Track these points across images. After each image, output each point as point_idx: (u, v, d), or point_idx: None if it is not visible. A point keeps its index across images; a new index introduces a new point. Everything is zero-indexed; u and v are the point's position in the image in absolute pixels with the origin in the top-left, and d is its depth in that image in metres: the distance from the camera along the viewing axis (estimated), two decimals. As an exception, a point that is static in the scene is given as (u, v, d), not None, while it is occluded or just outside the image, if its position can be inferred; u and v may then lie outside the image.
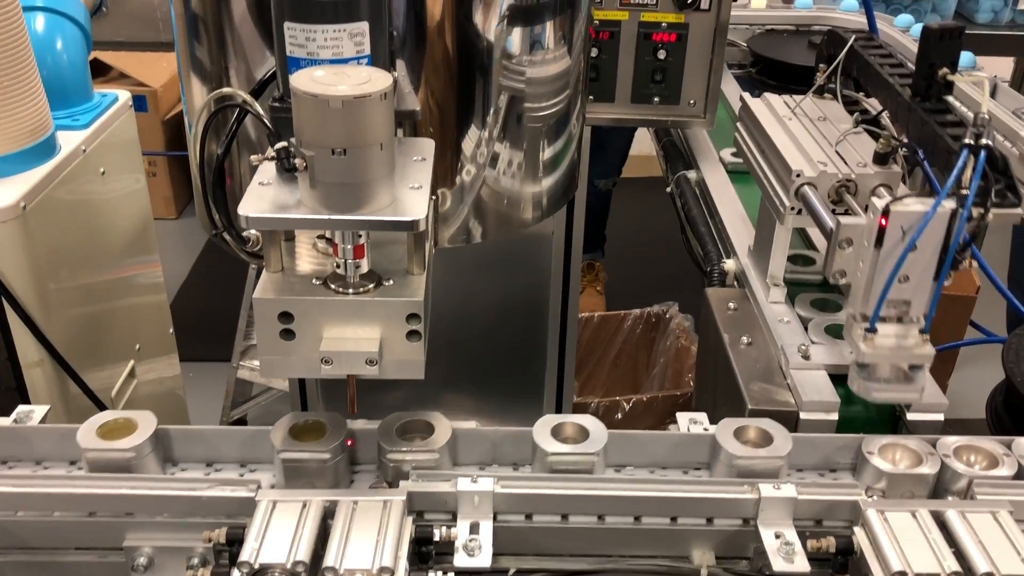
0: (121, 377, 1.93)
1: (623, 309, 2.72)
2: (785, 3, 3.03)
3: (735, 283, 1.29)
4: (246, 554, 0.81)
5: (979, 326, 1.80)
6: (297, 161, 0.81)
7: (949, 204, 0.91)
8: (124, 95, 1.92)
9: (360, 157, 0.81)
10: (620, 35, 1.52)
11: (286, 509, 0.86)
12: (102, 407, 1.74)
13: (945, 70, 1.08)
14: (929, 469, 0.92)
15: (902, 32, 2.10)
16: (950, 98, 1.10)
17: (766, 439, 0.93)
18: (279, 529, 0.84)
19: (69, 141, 1.69)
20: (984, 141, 0.91)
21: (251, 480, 0.91)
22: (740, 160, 1.33)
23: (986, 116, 0.95)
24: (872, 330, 0.95)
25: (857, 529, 0.87)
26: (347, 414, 0.96)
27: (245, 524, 0.86)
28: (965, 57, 1.90)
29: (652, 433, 0.96)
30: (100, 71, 3.76)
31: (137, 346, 2.02)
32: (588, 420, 0.97)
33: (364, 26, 0.86)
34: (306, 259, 0.95)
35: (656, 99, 1.56)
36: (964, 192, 0.90)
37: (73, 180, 1.68)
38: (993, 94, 1.82)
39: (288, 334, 0.89)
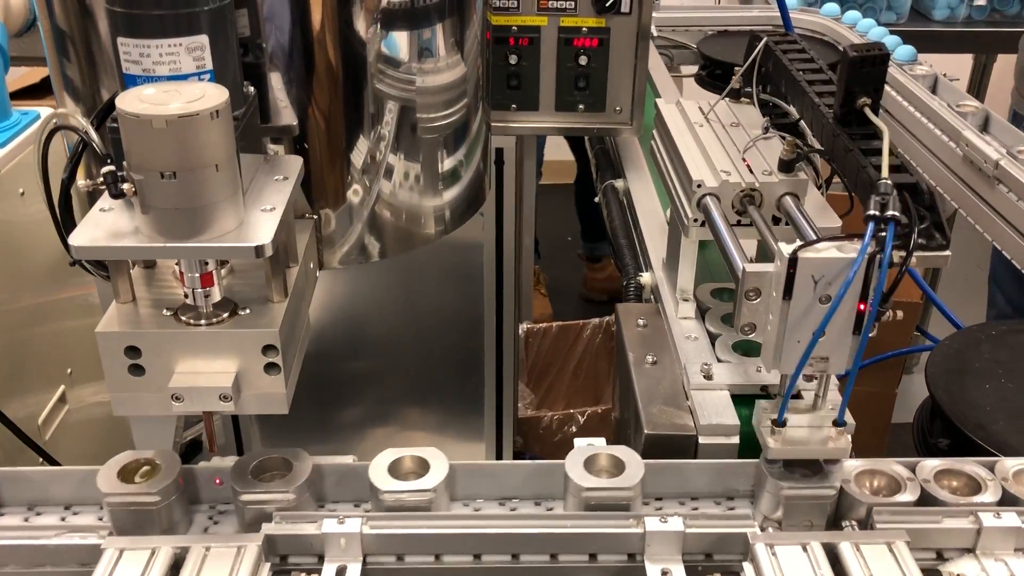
0: (49, 404, 1.87)
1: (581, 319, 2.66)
2: (742, 3, 2.98)
3: (651, 297, 1.24)
4: (79, 610, 0.75)
5: (925, 332, 1.75)
6: (125, 186, 0.75)
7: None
8: (47, 111, 1.86)
9: (192, 180, 0.75)
10: (540, 41, 1.47)
11: (133, 558, 0.80)
12: (23, 436, 1.69)
13: (864, 99, 1.00)
14: (824, 492, 0.86)
15: (849, 28, 2.06)
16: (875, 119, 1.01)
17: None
18: (121, 580, 0.78)
19: (-19, 162, 1.64)
20: (890, 213, 0.81)
21: (103, 526, 0.85)
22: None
23: (888, 183, 0.84)
24: (781, 423, 0.86)
25: (746, 564, 0.82)
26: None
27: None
28: (905, 51, 1.85)
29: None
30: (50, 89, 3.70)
31: (69, 370, 1.96)
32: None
33: (203, 39, 0.80)
34: (165, 288, 0.89)
35: (581, 107, 1.51)
36: (882, 235, 0.79)
37: (-13, 202, 1.62)
38: (934, 89, 1.77)
39: (137, 369, 0.83)
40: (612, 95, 1.50)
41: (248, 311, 0.85)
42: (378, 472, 0.89)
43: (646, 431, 0.97)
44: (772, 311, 0.83)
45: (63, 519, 0.91)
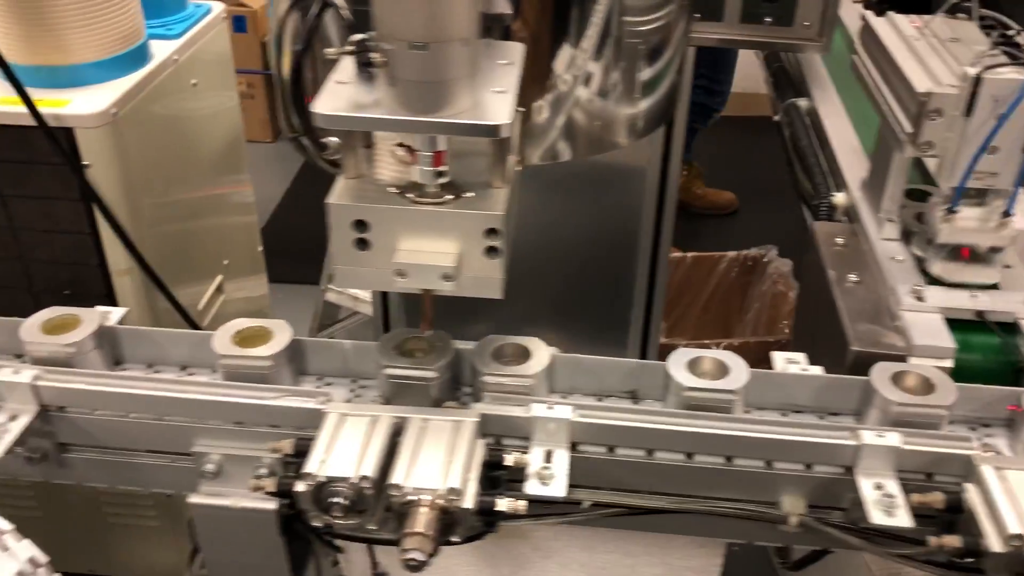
0: (208, 292, 1.95)
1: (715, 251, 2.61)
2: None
3: (844, 218, 1.20)
4: (312, 466, 0.78)
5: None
6: (375, 56, 0.75)
7: None
8: (218, 6, 1.89)
9: (441, 53, 0.75)
10: (731, -53, 1.41)
11: (355, 423, 0.83)
12: (188, 319, 1.76)
13: None
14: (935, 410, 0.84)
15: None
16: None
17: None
18: (346, 443, 0.81)
19: (161, 51, 1.68)
20: None
21: (321, 392, 0.88)
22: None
23: None
24: (954, 210, 0.97)
25: (969, 486, 0.79)
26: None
27: (313, 436, 0.84)
28: None
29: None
30: (201, -8, 3.77)
31: (225, 262, 2.03)
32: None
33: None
34: (385, 167, 0.90)
35: (768, 19, 1.45)
36: None
37: (164, 90, 1.67)
38: None
39: (362, 244, 0.85)
40: (802, 8, 1.43)
41: (472, 194, 0.85)
42: (482, 356, 0.91)
43: (854, 348, 0.95)
44: (953, 129, 0.95)
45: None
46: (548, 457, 0.84)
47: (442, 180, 0.84)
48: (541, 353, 0.92)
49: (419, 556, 0.73)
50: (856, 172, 1.21)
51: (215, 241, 2.00)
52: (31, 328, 0.99)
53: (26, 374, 0.89)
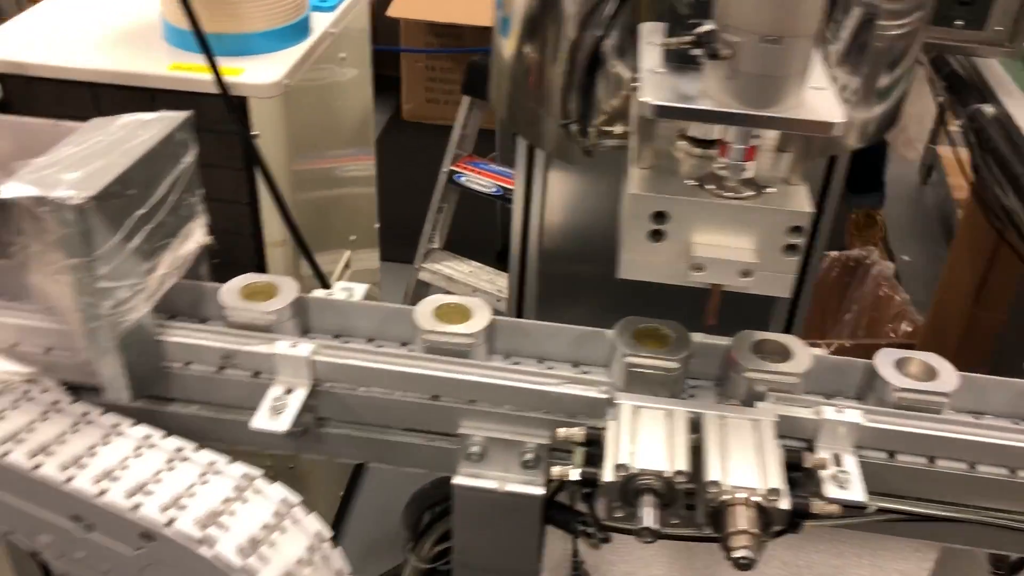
0: (339, 266, 1.94)
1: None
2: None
3: (1061, 231, 1.18)
4: (623, 456, 0.77)
5: None
6: (721, 48, 0.74)
7: None
8: (369, -20, 1.88)
9: (792, 48, 0.73)
10: (933, -54, 1.38)
11: (651, 416, 0.82)
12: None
13: None
14: None
15: None
16: None
17: None
18: (650, 435, 0.80)
19: (320, 23, 1.67)
20: None
21: (603, 381, 0.87)
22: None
23: None
24: None
25: None
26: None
27: (592, 424, 0.84)
28: None
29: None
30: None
31: (352, 237, 2.02)
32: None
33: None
34: (663, 157, 0.89)
35: (959, 22, 1.43)
36: None
37: (322, 62, 1.66)
38: None
39: (657, 235, 0.84)
40: (996, 12, 1.41)
41: (774, 190, 0.84)
42: (742, 351, 0.91)
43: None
44: None
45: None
46: (837, 460, 0.83)
47: (746, 175, 0.83)
48: (801, 351, 0.91)
49: (749, 555, 0.72)
50: (1076, 183, 1.20)
51: (346, 214, 2.00)
52: (231, 293, 0.99)
53: (303, 348, 0.88)
